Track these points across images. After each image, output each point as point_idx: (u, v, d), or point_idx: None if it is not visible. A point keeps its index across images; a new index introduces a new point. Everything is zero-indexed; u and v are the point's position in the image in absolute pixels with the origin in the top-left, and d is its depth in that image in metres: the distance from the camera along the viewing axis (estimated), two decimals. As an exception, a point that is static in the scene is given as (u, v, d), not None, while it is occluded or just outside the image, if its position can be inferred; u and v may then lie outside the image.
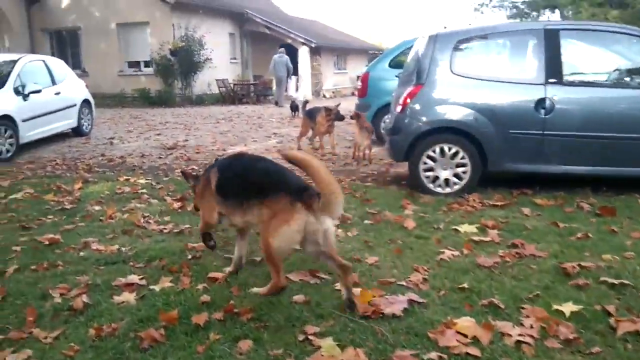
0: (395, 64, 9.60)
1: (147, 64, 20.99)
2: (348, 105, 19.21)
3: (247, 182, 3.01)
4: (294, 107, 15.80)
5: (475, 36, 5.89)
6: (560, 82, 5.53)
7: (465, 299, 3.05)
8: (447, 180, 5.75)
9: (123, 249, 3.92)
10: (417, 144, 5.74)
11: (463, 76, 5.71)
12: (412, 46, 9.48)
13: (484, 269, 3.51)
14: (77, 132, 11.42)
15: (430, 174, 5.77)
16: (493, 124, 5.56)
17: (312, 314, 2.79)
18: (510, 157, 5.67)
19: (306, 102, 9.61)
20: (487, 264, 3.57)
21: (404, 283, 3.23)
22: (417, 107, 5.74)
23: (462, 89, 5.69)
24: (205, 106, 20.08)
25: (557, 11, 26.73)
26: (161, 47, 19.56)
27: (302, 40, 24.57)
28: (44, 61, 10.94)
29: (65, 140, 10.93)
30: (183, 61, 19.64)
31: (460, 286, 3.19)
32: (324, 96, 26.01)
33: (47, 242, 4.07)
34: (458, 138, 5.68)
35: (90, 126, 11.96)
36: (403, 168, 7.55)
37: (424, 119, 5.71)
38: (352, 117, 8.47)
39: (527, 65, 5.86)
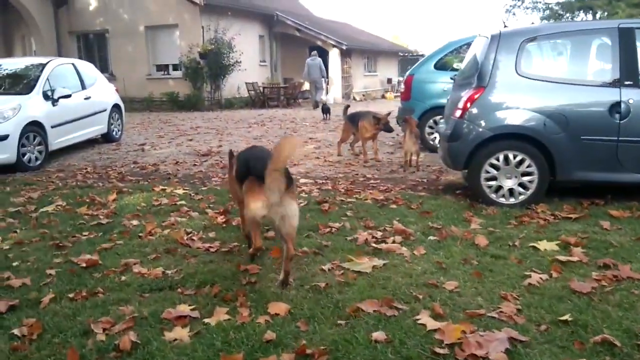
0: (441, 65, 9.18)
1: (175, 67, 20.89)
2: (381, 109, 18.94)
3: (246, 167, 3.45)
4: (326, 110, 15.69)
5: (542, 35, 5.44)
6: (636, 84, 5.08)
7: (571, 334, 2.64)
8: (511, 190, 5.33)
9: (168, 272, 3.61)
10: (479, 152, 5.33)
11: (530, 78, 5.28)
12: (459, 47, 9.21)
13: (582, 296, 3.09)
14: (107, 138, 11.23)
15: (492, 183, 5.35)
16: (563, 130, 5.11)
17: (397, 356, 2.41)
18: (581, 165, 5.22)
19: (347, 106, 9.23)
20: (584, 290, 3.15)
21: (496, 315, 2.83)
22: (479, 111, 5.33)
23: (528, 92, 5.26)
24: (234, 110, 19.90)
25: (591, 13, 25.97)
26: (190, 49, 19.44)
27: (333, 43, 24.27)
28: (73, 64, 10.72)
29: (94, 146, 10.74)
30: (212, 64, 19.49)
31: (562, 319, 2.77)
32: (354, 99, 25.66)
33: (84, 264, 3.77)
34: (524, 145, 5.25)
35: (120, 132, 11.78)
36: (455, 175, 7.16)
37: (486, 124, 5.28)
38: (401, 122, 8.11)
39: (599, 67, 5.43)
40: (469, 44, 9.00)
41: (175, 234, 4.43)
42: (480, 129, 5.29)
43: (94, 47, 22.21)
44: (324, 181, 6.95)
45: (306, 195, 5.90)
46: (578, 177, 5.29)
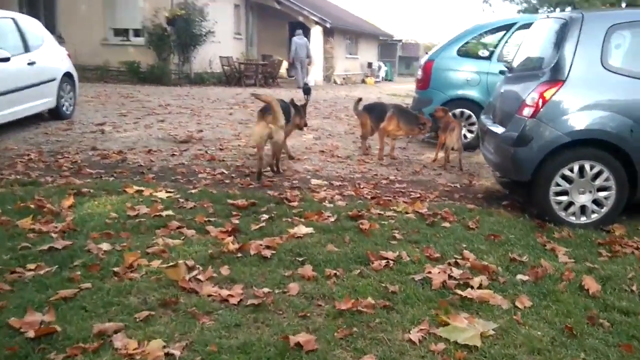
0: (465, 52, 8.57)
1: (137, 33, 19.52)
2: (366, 94, 18.30)
3: None
4: (307, 91, 15.32)
5: (637, 20, 4.86)
6: None
7: None
8: (583, 208, 4.76)
9: (174, 352, 2.49)
10: (551, 160, 4.73)
11: (617, 73, 4.70)
12: (485, 32, 8.61)
13: None
14: (55, 114, 9.68)
15: (563, 198, 4.77)
16: (651, 138, 4.57)
17: None
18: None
19: (359, 99, 8.51)
20: None
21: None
22: (556, 110, 4.71)
23: (615, 90, 4.69)
24: (206, 86, 18.85)
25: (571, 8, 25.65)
26: (155, 14, 18.18)
27: (316, 20, 23.48)
28: (14, 20, 9.01)
29: (40, 125, 9.18)
30: (181, 32, 18.30)
31: None
32: (335, 82, 25.00)
33: (31, 334, 2.56)
34: (604, 154, 4.68)
35: (72, 107, 10.31)
36: (488, 180, 6.62)
37: (564, 127, 4.67)
38: (435, 116, 7.48)
39: None
40: (498, 28, 8.49)
41: (172, 273, 3.31)
42: (557, 133, 4.67)
43: (39, 4, 20.38)
44: (341, 183, 6.24)
45: (331, 206, 5.15)
46: (662, 195, 4.77)
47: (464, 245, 4.13)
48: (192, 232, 4.22)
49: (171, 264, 3.46)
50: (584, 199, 4.74)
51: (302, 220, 4.65)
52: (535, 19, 8.27)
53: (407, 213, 5.04)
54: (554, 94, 4.69)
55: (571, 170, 4.71)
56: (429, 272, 3.53)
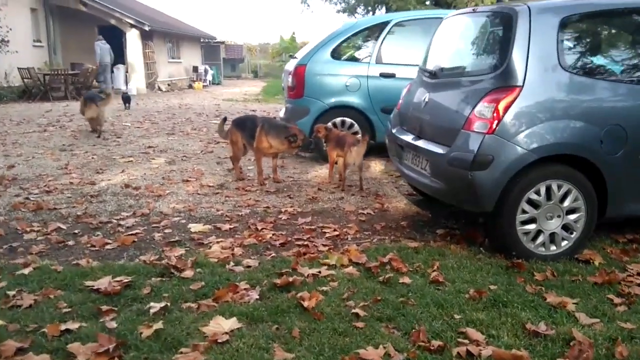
0: (340, 54, 7.51)
1: None
2: (198, 101, 16.42)
3: None
4: (126, 99, 14.72)
5: (593, 12, 4.06)
6: None
7: None
8: (552, 236, 3.92)
9: None
10: (514, 183, 3.78)
11: (579, 74, 3.90)
12: (362, 30, 7.58)
13: None
14: None
15: (530, 227, 3.87)
16: (619, 148, 3.84)
17: None
18: (637, 195, 4.03)
19: (224, 119, 7.00)
20: None
21: None
22: (517, 123, 3.74)
23: (578, 94, 3.85)
24: (4, 104, 15.70)
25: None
26: None
27: (132, 22, 21.10)
28: None
29: None
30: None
31: None
32: (160, 89, 22.83)
33: None
34: (571, 171, 3.86)
35: None
36: (399, 200, 5.66)
37: (529, 143, 3.72)
38: (317, 137, 6.34)
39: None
40: (371, 28, 7.57)
41: None
42: (522, 150, 3.72)
43: None
44: (230, 226, 4.79)
45: (241, 269, 3.73)
46: (632, 211, 4.09)
47: (457, 317, 3.00)
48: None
49: None
50: (554, 225, 3.87)
51: (213, 303, 3.20)
52: (412, 15, 7.58)
53: (344, 266, 3.81)
54: (511, 104, 3.74)
55: (537, 193, 3.82)
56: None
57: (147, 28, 21.22)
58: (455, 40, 4.77)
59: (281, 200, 5.68)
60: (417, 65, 7.07)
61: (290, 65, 7.84)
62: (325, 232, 4.65)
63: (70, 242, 4.36)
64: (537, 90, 3.79)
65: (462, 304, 3.17)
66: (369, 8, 28.17)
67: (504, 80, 3.83)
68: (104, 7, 20.60)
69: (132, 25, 21.16)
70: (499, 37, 4.08)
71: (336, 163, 6.30)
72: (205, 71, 27.81)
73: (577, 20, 3.99)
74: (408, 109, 5.04)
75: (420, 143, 4.51)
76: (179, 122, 12.17)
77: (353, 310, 3.10)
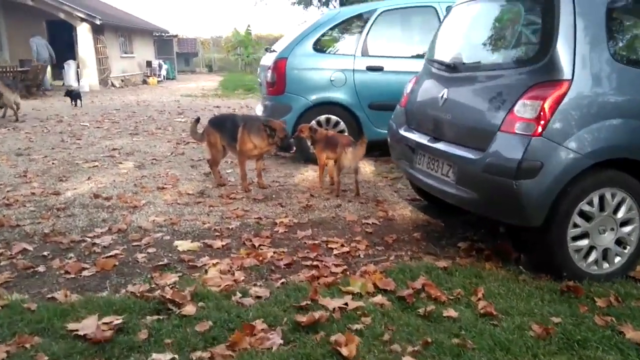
0: (323, 47, 6.80)
1: None
2: (163, 99, 15.39)
3: None
4: (75, 95, 13.72)
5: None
6: None
7: None
8: (605, 252, 3.36)
9: None
10: (567, 193, 3.20)
11: (630, 64, 3.33)
12: (346, 20, 6.82)
13: None
14: None
15: (582, 243, 3.30)
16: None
17: None
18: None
19: (197, 119, 6.17)
20: None
21: None
22: (568, 124, 3.16)
23: (630, 88, 3.29)
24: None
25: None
26: None
27: (82, 16, 19.71)
28: None
29: None
30: None
31: None
32: (113, 85, 21.53)
33: None
34: (625, 177, 3.31)
35: None
36: (404, 207, 5.07)
37: (583, 146, 3.15)
38: (300, 137, 5.64)
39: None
40: (356, 18, 6.89)
41: None
42: (576, 155, 3.14)
43: None
44: (222, 242, 4.08)
45: (251, 302, 3.04)
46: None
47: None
48: None
49: None
50: (607, 239, 3.33)
51: (229, 352, 2.50)
52: (399, 4, 6.90)
53: (370, 294, 3.15)
54: (559, 101, 3.15)
55: (590, 203, 3.25)
56: None
57: (98, 22, 19.88)
58: (476, 28, 4.13)
59: (273, 210, 4.96)
60: (406, 57, 6.62)
61: (268, 60, 7.08)
62: (332, 248, 4.00)
63: (40, 268, 3.58)
64: (588, 85, 3.21)
65: (532, 346, 2.57)
66: (323, 0, 27.53)
67: (548, 74, 3.23)
68: (53, 0, 19.14)
69: (82, 19, 19.77)
70: (537, 23, 3.49)
71: (326, 165, 5.63)
72: (160, 66, 26.51)
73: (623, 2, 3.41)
74: (419, 107, 4.40)
75: (440, 146, 3.88)
76: (140, 120, 11.18)
77: (403, 359, 2.44)
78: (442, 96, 3.96)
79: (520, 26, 3.67)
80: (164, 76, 26.79)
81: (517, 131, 3.24)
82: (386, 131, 6.47)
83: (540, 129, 3.13)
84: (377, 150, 6.57)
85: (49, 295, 3.12)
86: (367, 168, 6.65)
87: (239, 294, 3.11)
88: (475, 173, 3.45)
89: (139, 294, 3.11)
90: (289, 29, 7.57)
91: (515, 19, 3.76)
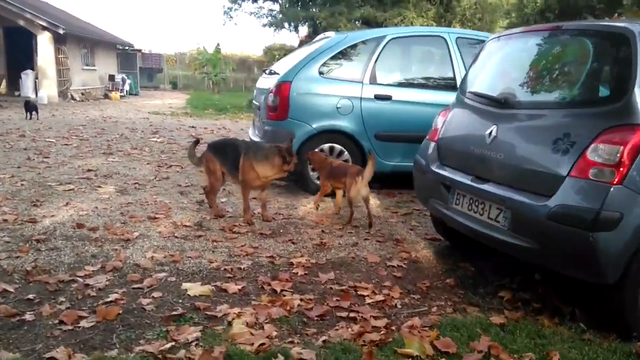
0: (329, 72, 6.43)
1: None
2: (130, 116, 14.52)
3: None
4: (32, 107, 13.03)
5: None
6: None
7: None
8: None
9: None
10: (640, 247, 2.94)
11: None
12: (354, 45, 6.44)
13: None
14: None
15: (657, 303, 3.04)
16: None
17: None
18: None
19: (197, 141, 5.73)
20: None
21: None
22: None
23: None
24: None
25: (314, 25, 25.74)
26: None
27: (44, 24, 18.96)
28: None
29: None
30: None
31: None
32: (73, 98, 20.63)
33: None
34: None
35: None
36: (424, 247, 4.73)
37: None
38: (308, 159, 5.35)
39: None
40: (364, 43, 6.60)
41: None
42: (654, 206, 2.88)
43: None
44: (236, 286, 3.63)
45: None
46: None
47: None
48: None
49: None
50: (681, 298, 3.07)
51: None
52: (408, 32, 6.69)
53: (432, 358, 2.79)
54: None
55: (665, 259, 3.00)
56: None
57: (61, 31, 19.09)
58: (532, 63, 3.86)
59: (284, 247, 4.54)
60: (415, 87, 6.37)
61: (269, 82, 6.69)
62: (362, 295, 3.63)
63: (28, 316, 3.05)
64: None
65: None
66: (296, 24, 27.47)
67: (627, 117, 2.98)
68: (13, 6, 18.32)
69: (44, 28, 18.97)
70: (608, 62, 3.25)
71: (332, 196, 5.31)
72: (123, 80, 25.65)
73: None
74: (456, 142, 4.11)
75: (488, 187, 3.57)
76: (112, 139, 10.55)
77: None
78: (489, 133, 3.67)
79: (588, 64, 3.42)
80: (126, 91, 25.94)
81: (592, 177, 2.96)
82: (391, 163, 6.35)
83: (620, 177, 2.87)
84: (378, 181, 6.26)
85: (47, 355, 2.63)
86: (372, 201, 6.30)
87: (281, 357, 2.69)
88: (536, 220, 3.15)
89: (159, 354, 2.66)
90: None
91: (581, 56, 3.51)
